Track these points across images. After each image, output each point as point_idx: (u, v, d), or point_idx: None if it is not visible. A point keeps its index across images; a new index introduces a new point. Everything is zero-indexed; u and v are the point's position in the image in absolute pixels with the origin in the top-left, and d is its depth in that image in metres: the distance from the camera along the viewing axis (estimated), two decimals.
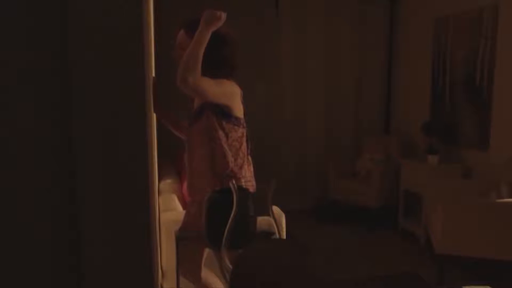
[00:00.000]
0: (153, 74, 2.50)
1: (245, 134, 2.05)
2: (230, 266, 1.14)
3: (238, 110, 2.01)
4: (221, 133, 1.95)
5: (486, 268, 3.31)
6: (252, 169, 2.10)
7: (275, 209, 2.77)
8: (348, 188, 4.76)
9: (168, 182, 2.97)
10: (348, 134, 5.37)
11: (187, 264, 2.05)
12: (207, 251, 2.13)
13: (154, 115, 2.22)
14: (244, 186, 2.01)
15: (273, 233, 2.11)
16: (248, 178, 2.02)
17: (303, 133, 5.25)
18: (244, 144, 2.10)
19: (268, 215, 1.40)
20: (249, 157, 2.10)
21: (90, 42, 0.62)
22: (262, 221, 2.13)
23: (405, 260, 3.75)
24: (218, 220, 1.49)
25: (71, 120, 0.62)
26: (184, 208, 2.67)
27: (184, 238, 1.98)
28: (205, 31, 1.87)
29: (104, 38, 0.62)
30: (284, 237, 2.78)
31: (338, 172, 4.89)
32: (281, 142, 5.18)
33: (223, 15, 1.89)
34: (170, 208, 2.68)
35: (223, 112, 1.96)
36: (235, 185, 1.39)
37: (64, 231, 0.63)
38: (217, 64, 2.01)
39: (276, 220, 1.40)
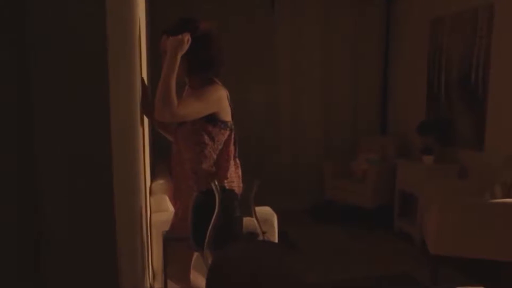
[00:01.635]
0: (145, 75, 2.50)
1: (232, 136, 2.04)
2: None
3: (225, 113, 1.99)
4: (207, 137, 1.94)
5: (481, 269, 3.30)
6: (239, 171, 2.08)
7: (267, 209, 2.76)
8: (344, 188, 4.75)
9: (160, 183, 2.95)
10: (345, 135, 5.36)
11: (176, 266, 2.04)
12: (196, 253, 2.12)
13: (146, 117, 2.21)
14: (227, 187, 2.00)
15: (259, 234, 2.10)
16: (234, 179, 2.01)
17: (300, 133, 5.24)
18: (232, 146, 2.08)
19: (251, 215, 1.40)
20: (237, 159, 2.08)
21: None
22: (251, 222, 2.12)
23: (400, 260, 3.74)
24: (203, 221, 1.48)
25: (33, 110, 0.60)
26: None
27: (172, 239, 1.97)
28: (173, 59, 1.85)
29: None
30: (276, 237, 2.78)
31: (334, 172, 4.88)
32: (278, 143, 5.18)
33: (187, 36, 1.86)
34: (161, 209, 2.67)
35: (209, 118, 1.95)
36: (218, 186, 1.38)
37: (25, 229, 0.62)
38: (206, 64, 2.00)
39: (258, 221, 1.39)
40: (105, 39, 0.64)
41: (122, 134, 0.92)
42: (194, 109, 1.91)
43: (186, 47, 1.86)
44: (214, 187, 1.34)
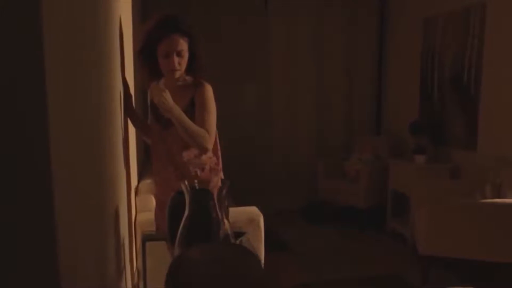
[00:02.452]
0: (131, 74, 2.48)
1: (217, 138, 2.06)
2: None
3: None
4: None
5: (472, 269, 3.28)
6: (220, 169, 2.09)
7: (253, 209, 2.74)
8: (337, 188, 4.73)
9: (147, 183, 2.93)
10: (339, 135, 5.34)
11: (158, 266, 2.03)
12: None
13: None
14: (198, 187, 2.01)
15: (243, 234, 2.08)
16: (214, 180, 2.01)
17: (294, 133, 5.22)
18: (218, 145, 2.10)
19: (223, 217, 1.37)
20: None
21: None
22: (235, 222, 2.09)
23: (392, 261, 3.72)
24: (178, 220, 1.46)
25: None
26: None
27: (151, 239, 1.95)
28: (169, 110, 1.85)
29: None
30: (262, 238, 2.76)
31: (327, 172, 4.86)
32: (271, 143, 5.15)
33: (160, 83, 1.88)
34: (146, 209, 2.65)
35: None
36: (188, 186, 1.36)
37: None
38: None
39: (229, 221, 1.37)
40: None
41: (76, 133, 0.91)
42: (213, 121, 1.97)
43: (166, 94, 1.86)
44: (184, 188, 1.32)
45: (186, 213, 1.36)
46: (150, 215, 2.58)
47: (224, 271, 0.91)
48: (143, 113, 2.95)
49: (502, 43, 3.59)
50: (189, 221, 1.34)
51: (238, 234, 2.00)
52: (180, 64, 1.92)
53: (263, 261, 2.74)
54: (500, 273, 3.03)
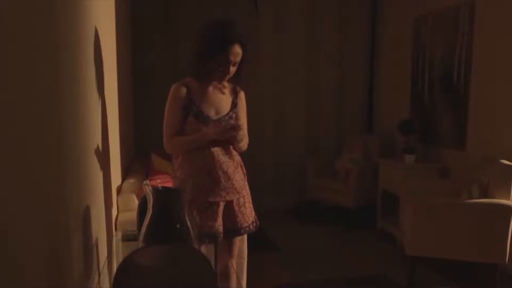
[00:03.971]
0: (114, 79, 2.47)
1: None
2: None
3: None
4: None
5: (459, 270, 3.27)
6: None
7: None
8: (327, 187, 4.71)
9: (130, 182, 2.92)
10: (330, 134, 5.32)
11: None
12: None
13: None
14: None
15: (219, 235, 2.05)
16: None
17: (284, 133, 5.20)
18: None
19: (184, 217, 1.36)
20: None
21: None
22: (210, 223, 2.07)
23: (381, 261, 3.70)
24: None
25: None
26: None
27: (127, 240, 1.94)
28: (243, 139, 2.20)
29: None
30: (245, 237, 2.73)
31: (317, 171, 4.84)
32: (262, 142, 5.13)
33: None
34: (128, 209, 2.64)
35: None
36: (150, 186, 1.35)
37: None
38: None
39: (190, 222, 1.36)
40: None
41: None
42: None
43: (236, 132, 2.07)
44: (145, 188, 1.31)
45: (151, 210, 1.35)
46: (132, 215, 2.56)
47: (171, 273, 0.89)
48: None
49: (491, 42, 3.57)
50: (152, 220, 1.33)
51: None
52: (232, 72, 2.08)
53: (245, 261, 2.72)
54: (484, 273, 3.02)
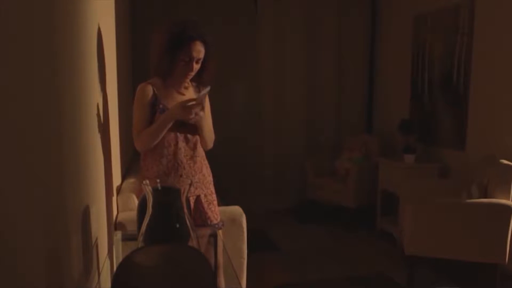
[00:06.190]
0: (113, 76, 2.47)
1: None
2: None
3: None
4: None
5: (459, 270, 3.27)
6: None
7: (236, 209, 2.72)
8: (327, 187, 4.71)
9: (130, 182, 2.92)
10: (330, 134, 5.32)
11: None
12: None
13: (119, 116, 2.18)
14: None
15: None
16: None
17: (284, 132, 5.20)
18: None
19: (184, 217, 1.36)
20: None
21: None
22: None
23: (381, 261, 3.70)
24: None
25: None
26: None
27: (127, 239, 1.94)
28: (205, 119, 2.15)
29: None
30: (245, 238, 2.74)
31: (316, 171, 4.84)
32: (261, 142, 5.13)
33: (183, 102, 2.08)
34: (128, 208, 2.63)
35: None
36: (150, 186, 1.34)
37: None
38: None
39: (189, 221, 1.35)
40: None
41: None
42: None
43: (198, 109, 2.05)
44: (144, 188, 1.31)
45: (152, 210, 1.34)
46: (132, 215, 2.56)
47: (171, 273, 0.89)
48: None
49: (490, 41, 3.57)
50: (152, 219, 1.33)
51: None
52: (196, 69, 2.08)
53: (245, 261, 2.72)
54: (484, 273, 3.02)
